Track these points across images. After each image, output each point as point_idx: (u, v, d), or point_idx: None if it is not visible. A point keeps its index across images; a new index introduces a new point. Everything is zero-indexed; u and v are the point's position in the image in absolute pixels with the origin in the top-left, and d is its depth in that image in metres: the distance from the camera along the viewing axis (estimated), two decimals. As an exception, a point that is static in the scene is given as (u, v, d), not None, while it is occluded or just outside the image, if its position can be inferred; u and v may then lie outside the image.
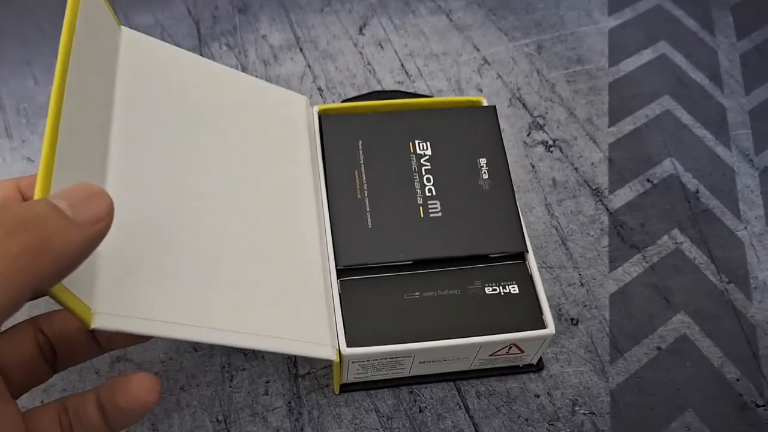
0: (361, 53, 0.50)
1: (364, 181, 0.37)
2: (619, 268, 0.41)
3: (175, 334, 0.27)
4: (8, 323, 0.27)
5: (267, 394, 0.35)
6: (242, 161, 0.35)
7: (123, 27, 0.34)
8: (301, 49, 0.50)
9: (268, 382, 0.36)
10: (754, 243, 0.42)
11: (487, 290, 0.34)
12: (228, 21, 0.51)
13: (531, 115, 0.47)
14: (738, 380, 0.37)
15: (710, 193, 0.44)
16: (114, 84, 0.31)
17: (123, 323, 0.25)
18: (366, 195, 0.36)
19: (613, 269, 0.41)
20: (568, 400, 0.36)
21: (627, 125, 0.47)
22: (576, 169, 0.45)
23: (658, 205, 0.43)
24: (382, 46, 0.50)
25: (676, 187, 0.44)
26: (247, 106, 0.37)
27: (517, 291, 0.34)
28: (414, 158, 0.38)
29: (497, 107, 0.40)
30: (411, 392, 0.36)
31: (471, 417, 0.35)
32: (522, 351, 0.34)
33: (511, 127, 0.46)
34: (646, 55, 0.51)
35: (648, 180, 0.45)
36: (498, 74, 0.49)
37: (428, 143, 0.38)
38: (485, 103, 0.41)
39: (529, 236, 0.36)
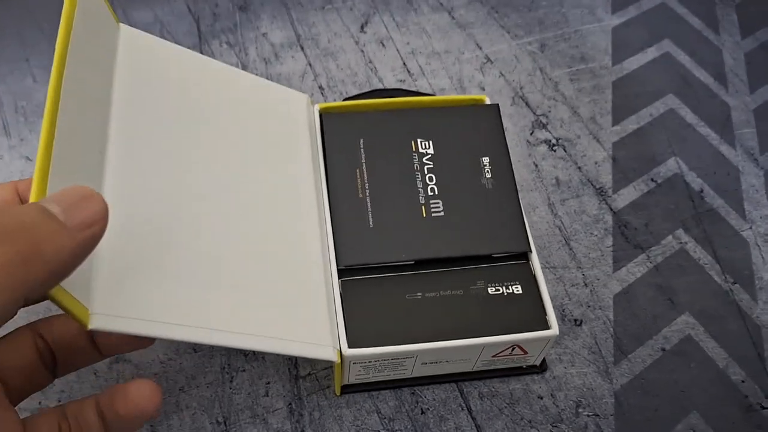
0: (362, 51, 0.50)
1: (366, 181, 0.36)
2: (623, 268, 0.40)
3: (174, 335, 0.26)
4: (6, 329, 0.26)
5: (267, 396, 0.35)
6: (242, 160, 0.35)
7: (121, 24, 0.33)
8: (302, 47, 0.50)
9: (268, 383, 0.35)
10: (759, 243, 0.42)
11: (490, 290, 0.34)
12: (228, 18, 0.51)
13: (534, 113, 0.47)
14: (743, 381, 0.37)
15: (715, 192, 0.44)
16: (112, 82, 0.31)
17: (121, 324, 0.25)
18: (367, 194, 0.36)
19: (617, 269, 0.40)
20: (571, 402, 0.36)
21: (631, 124, 0.47)
22: (579, 168, 0.44)
23: (662, 204, 0.43)
24: (383, 44, 0.50)
25: (681, 187, 0.44)
26: (248, 104, 0.37)
27: (520, 291, 0.34)
28: (416, 157, 0.37)
29: (500, 106, 0.39)
30: (413, 393, 0.35)
31: (473, 419, 0.35)
32: (525, 352, 0.34)
33: (513, 126, 0.46)
34: (650, 54, 0.51)
35: (652, 179, 0.44)
36: (500, 72, 0.49)
37: (430, 142, 0.38)
38: (488, 102, 0.40)
39: (532, 236, 0.36)
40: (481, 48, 0.50)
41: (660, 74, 0.50)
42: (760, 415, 0.35)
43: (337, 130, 0.38)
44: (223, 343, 0.28)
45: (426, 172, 0.37)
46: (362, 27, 0.51)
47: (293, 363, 0.36)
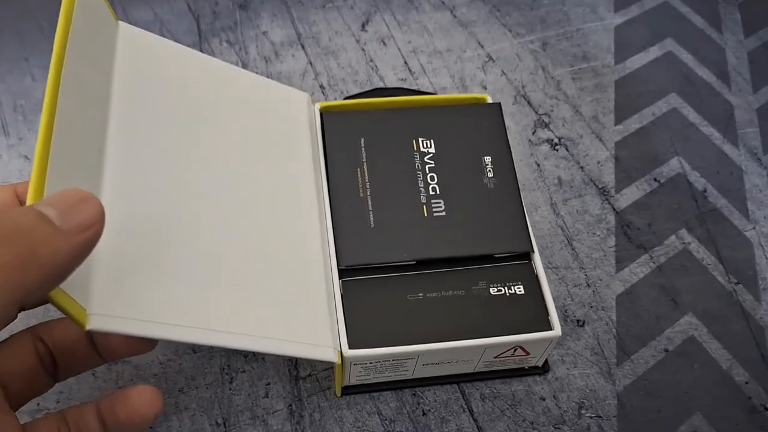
0: (363, 50, 0.49)
1: (367, 180, 0.36)
2: (626, 268, 0.40)
3: (172, 335, 0.26)
4: (6, 333, 0.26)
5: (267, 397, 0.35)
6: (242, 159, 0.34)
7: (120, 22, 0.33)
8: (302, 46, 0.49)
9: (268, 384, 0.35)
10: (762, 243, 0.41)
11: (492, 291, 0.34)
12: (228, 17, 0.51)
13: (536, 112, 0.47)
14: (747, 383, 0.36)
15: (718, 192, 0.44)
16: (111, 80, 0.31)
17: (119, 324, 0.25)
18: (368, 194, 0.36)
19: (619, 270, 0.40)
20: (574, 403, 0.35)
21: (633, 123, 0.47)
22: (582, 167, 0.44)
23: (665, 204, 0.43)
24: (384, 43, 0.50)
25: (684, 186, 0.44)
26: (248, 103, 0.37)
27: (522, 292, 0.34)
28: (417, 156, 0.37)
29: (501, 105, 0.39)
30: (414, 395, 0.35)
31: (475, 420, 0.35)
32: (527, 353, 0.34)
33: (515, 125, 0.46)
34: (653, 53, 0.50)
35: (655, 179, 0.44)
36: (502, 71, 0.49)
37: (432, 141, 0.37)
38: (490, 101, 0.40)
39: (534, 236, 0.36)
40: (482, 46, 0.50)
41: (663, 73, 0.49)
42: (764, 416, 0.35)
43: (338, 129, 0.38)
44: (222, 343, 0.28)
45: (427, 171, 0.36)
46: (363, 25, 0.51)
47: (293, 364, 0.36)
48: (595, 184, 0.43)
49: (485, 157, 0.37)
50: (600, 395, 0.36)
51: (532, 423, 0.35)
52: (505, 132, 0.38)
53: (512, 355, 0.34)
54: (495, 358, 0.34)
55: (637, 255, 0.41)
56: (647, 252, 0.41)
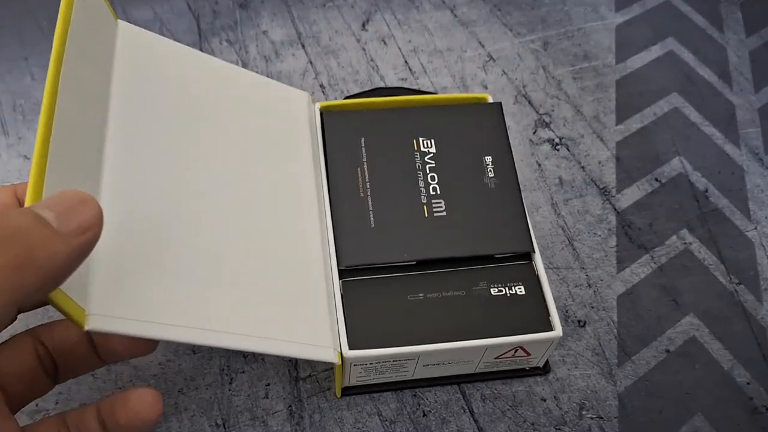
0: (363, 49, 0.49)
1: (367, 180, 0.36)
2: (627, 268, 0.40)
3: (171, 335, 0.26)
4: (6, 335, 0.26)
5: (267, 398, 0.35)
6: (242, 158, 0.34)
7: (120, 21, 0.33)
8: (302, 45, 0.49)
9: (268, 385, 0.35)
10: (764, 243, 0.41)
11: (493, 291, 0.34)
12: (228, 16, 0.50)
13: (537, 112, 0.46)
14: (748, 384, 0.36)
15: (719, 192, 0.43)
16: (110, 79, 0.31)
17: (118, 325, 0.25)
18: (369, 194, 0.36)
19: (620, 270, 0.40)
20: (575, 404, 0.35)
21: (634, 123, 0.46)
22: (583, 167, 0.44)
23: (666, 204, 0.43)
24: (385, 42, 0.50)
25: (685, 186, 0.43)
26: (248, 102, 0.37)
27: (523, 292, 0.34)
28: (418, 156, 0.37)
29: (502, 104, 0.39)
30: (414, 396, 0.35)
31: (476, 421, 0.34)
32: (528, 354, 0.34)
33: (516, 125, 0.46)
34: (654, 52, 0.50)
35: (656, 179, 0.44)
36: (503, 71, 0.48)
37: (432, 141, 0.37)
38: (490, 100, 0.40)
39: (535, 236, 0.36)
40: (483, 46, 0.50)
41: (664, 73, 0.49)
42: (766, 417, 0.35)
43: (338, 129, 0.38)
44: (222, 344, 0.27)
45: (428, 171, 0.36)
46: (364, 25, 0.51)
47: (293, 364, 0.36)
48: (596, 184, 0.43)
49: (486, 157, 0.37)
50: (601, 396, 0.35)
51: (533, 424, 0.34)
52: (506, 132, 0.38)
53: (513, 355, 0.34)
54: (496, 358, 0.34)
55: (638, 255, 0.40)
56: (648, 252, 0.41)
